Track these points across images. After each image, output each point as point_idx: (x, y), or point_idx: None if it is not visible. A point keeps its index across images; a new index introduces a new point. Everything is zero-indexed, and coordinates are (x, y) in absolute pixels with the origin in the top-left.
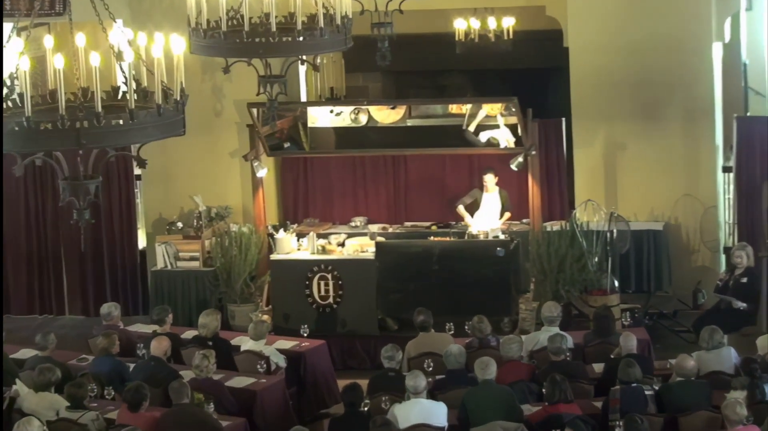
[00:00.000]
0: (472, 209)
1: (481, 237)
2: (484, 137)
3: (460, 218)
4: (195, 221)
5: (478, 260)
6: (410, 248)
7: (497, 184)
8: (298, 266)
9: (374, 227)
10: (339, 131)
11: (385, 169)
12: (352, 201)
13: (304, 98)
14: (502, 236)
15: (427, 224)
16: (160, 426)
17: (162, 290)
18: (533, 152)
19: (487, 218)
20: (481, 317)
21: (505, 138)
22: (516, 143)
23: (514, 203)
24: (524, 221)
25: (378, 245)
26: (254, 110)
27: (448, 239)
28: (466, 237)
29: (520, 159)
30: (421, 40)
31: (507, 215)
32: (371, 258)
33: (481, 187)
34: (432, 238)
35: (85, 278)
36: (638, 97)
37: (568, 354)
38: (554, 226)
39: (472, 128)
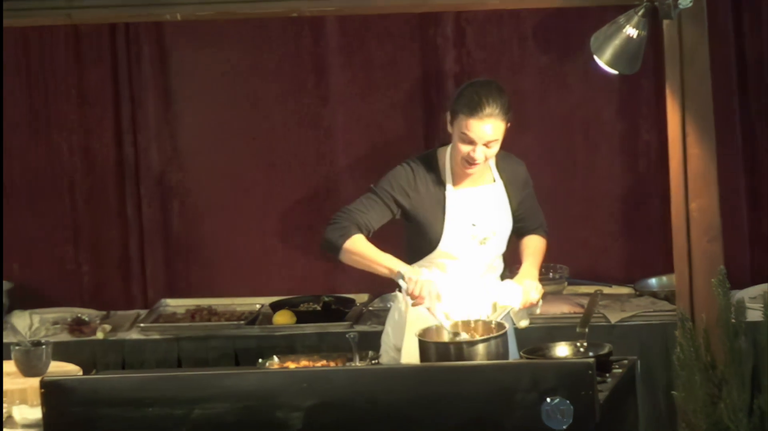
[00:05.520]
0: (411, 238)
1: (479, 352)
2: None
3: (394, 285)
4: None
5: None
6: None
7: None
8: None
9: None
10: None
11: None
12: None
13: None
14: (570, 351)
15: (269, 300)
16: None
17: None
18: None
19: (486, 268)
20: None
21: None
22: None
23: (604, 219)
24: (653, 283)
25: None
26: None
27: (351, 366)
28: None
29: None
30: None
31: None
32: None
33: (425, 151)
34: (291, 364)
35: None
36: None
37: None
38: None
39: None
